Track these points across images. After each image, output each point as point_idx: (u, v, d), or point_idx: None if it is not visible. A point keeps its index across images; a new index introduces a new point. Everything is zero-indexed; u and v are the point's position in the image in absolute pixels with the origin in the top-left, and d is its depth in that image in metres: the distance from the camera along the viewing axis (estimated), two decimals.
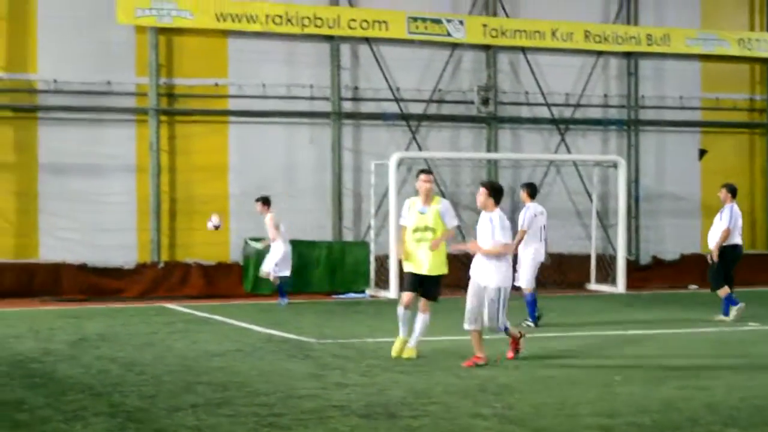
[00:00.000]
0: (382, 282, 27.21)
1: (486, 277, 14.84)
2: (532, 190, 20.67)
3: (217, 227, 23.86)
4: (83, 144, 26.93)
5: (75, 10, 26.85)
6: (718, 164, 31.90)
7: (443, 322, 20.48)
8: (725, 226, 21.01)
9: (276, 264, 24.45)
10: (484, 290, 14.85)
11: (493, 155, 29.83)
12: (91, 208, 26.88)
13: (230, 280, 27.18)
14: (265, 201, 24.70)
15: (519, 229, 19.93)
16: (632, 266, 30.12)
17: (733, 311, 20.69)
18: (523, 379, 13.55)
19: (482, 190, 15.25)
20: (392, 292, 26.35)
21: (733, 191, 21.41)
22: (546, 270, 29.28)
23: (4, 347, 16.73)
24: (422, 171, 16.20)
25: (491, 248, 14.88)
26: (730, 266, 21.16)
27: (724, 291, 20.91)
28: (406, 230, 15.72)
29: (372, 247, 28.00)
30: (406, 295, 15.78)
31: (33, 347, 16.68)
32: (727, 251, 21.02)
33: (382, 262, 27.36)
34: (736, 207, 21.25)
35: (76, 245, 26.65)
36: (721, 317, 20.80)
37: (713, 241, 21.21)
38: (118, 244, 26.92)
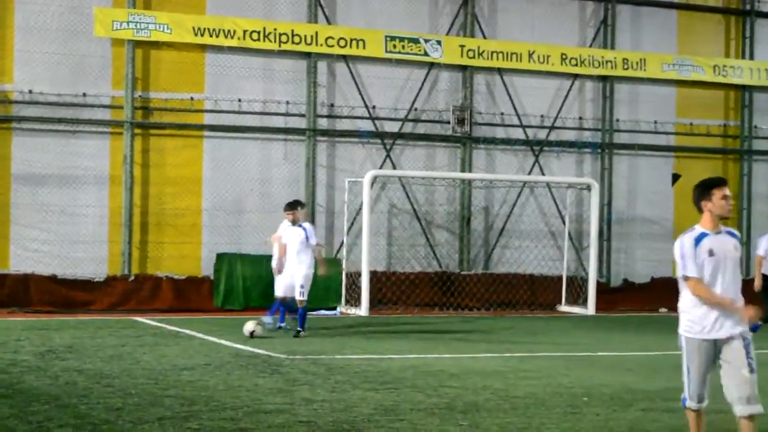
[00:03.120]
0: (354, 299, 27.22)
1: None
2: None
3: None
4: (57, 155, 26.83)
5: (52, 22, 26.79)
6: (691, 189, 31.98)
7: (412, 340, 20.60)
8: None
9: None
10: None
11: (467, 175, 29.88)
12: (63, 219, 26.80)
13: (201, 294, 27.09)
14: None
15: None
16: (603, 288, 30.22)
17: None
18: (489, 398, 13.57)
19: None
20: (363, 309, 26.38)
21: None
22: (517, 291, 29.61)
23: None
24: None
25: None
26: None
27: None
28: None
29: (344, 264, 27.99)
30: None
31: (0, 358, 16.60)
32: None
33: (354, 279, 27.36)
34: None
35: (47, 256, 26.55)
36: None
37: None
38: (90, 257, 26.84)
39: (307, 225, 21.26)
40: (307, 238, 20.99)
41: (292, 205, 21.45)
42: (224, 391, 13.65)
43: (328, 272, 23.08)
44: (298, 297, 20.89)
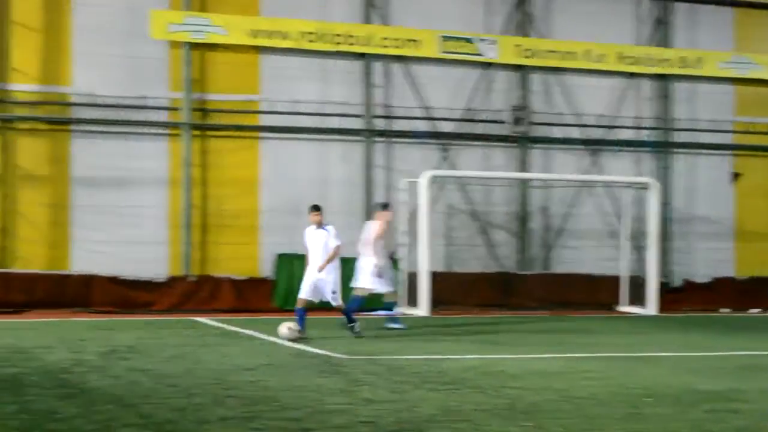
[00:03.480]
0: (413, 300, 27.19)
1: None
2: None
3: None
4: (116, 157, 27.07)
5: (110, 25, 27.04)
6: (752, 188, 31.78)
7: (471, 340, 20.55)
8: None
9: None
10: None
11: (524, 175, 29.80)
12: (122, 221, 27.02)
13: (260, 294, 27.21)
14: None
15: None
16: (663, 288, 30.00)
17: None
18: (551, 399, 13.49)
19: None
20: (423, 309, 26.36)
21: None
22: (575, 291, 29.49)
23: (36, 358, 16.78)
24: None
25: None
26: None
27: None
28: None
29: (403, 264, 27.98)
30: None
31: (64, 358, 16.74)
32: None
33: (413, 279, 27.34)
34: None
35: (108, 258, 26.76)
36: None
37: None
38: (150, 257, 27.04)
39: (330, 227, 20.63)
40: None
41: (318, 207, 20.85)
42: (286, 391, 13.65)
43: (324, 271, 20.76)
44: (334, 303, 20.38)
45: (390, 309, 23.24)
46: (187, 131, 27.37)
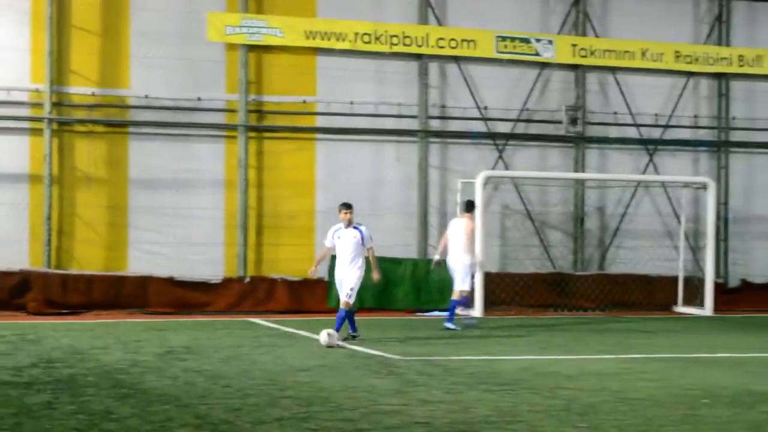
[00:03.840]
0: (468, 301, 27.13)
1: None
2: None
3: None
4: (173, 159, 27.24)
5: (167, 27, 27.21)
6: None
7: (526, 341, 20.49)
8: None
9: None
10: None
11: (580, 175, 29.66)
12: (179, 222, 27.18)
13: (315, 296, 27.24)
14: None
15: None
16: (720, 289, 29.74)
17: None
18: (607, 399, 13.43)
19: None
20: (477, 310, 26.32)
21: None
22: (632, 291, 29.32)
23: (92, 358, 16.94)
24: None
25: None
26: None
27: None
28: None
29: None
30: None
31: (120, 358, 16.89)
32: None
33: None
34: None
35: (164, 259, 26.95)
36: None
37: None
38: (206, 259, 27.19)
39: (363, 227, 20.16)
40: (362, 240, 19.99)
41: (349, 205, 20.28)
42: (341, 392, 13.70)
43: (380, 277, 20.94)
44: (344, 298, 19.84)
45: (463, 305, 23.78)
46: (244, 133, 27.49)
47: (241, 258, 27.39)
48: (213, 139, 27.72)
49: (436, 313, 26.99)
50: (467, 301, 24.13)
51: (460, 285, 23.35)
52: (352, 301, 20.00)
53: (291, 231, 27.77)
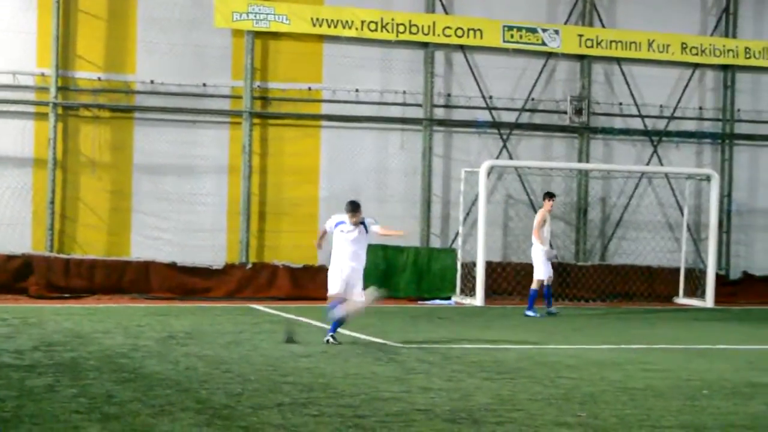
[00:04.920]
0: (468, 289, 27.20)
1: None
2: None
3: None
4: (177, 145, 27.26)
5: (174, 13, 27.20)
6: None
7: (527, 330, 20.51)
8: None
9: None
10: None
11: (584, 165, 29.65)
12: (182, 208, 27.21)
13: (317, 282, 27.13)
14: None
15: None
16: (722, 281, 29.74)
17: None
18: (607, 389, 13.47)
19: None
20: (478, 299, 26.35)
21: None
22: (633, 282, 29.34)
23: (94, 342, 16.99)
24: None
25: None
26: None
27: None
28: None
29: (459, 254, 28.00)
30: None
31: (122, 343, 16.94)
32: None
33: (469, 269, 27.34)
34: None
35: (167, 244, 26.98)
36: None
37: None
38: (208, 245, 27.21)
39: (368, 219, 18.66)
40: (366, 230, 18.52)
41: (356, 207, 18.44)
42: (342, 378, 13.74)
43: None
44: (357, 299, 18.44)
45: (546, 295, 24.48)
46: (248, 119, 27.50)
47: (244, 244, 27.41)
48: (218, 125, 27.72)
49: (438, 301, 27.06)
50: (548, 291, 24.60)
51: (536, 274, 24.30)
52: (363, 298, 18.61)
53: (293, 218, 27.77)
